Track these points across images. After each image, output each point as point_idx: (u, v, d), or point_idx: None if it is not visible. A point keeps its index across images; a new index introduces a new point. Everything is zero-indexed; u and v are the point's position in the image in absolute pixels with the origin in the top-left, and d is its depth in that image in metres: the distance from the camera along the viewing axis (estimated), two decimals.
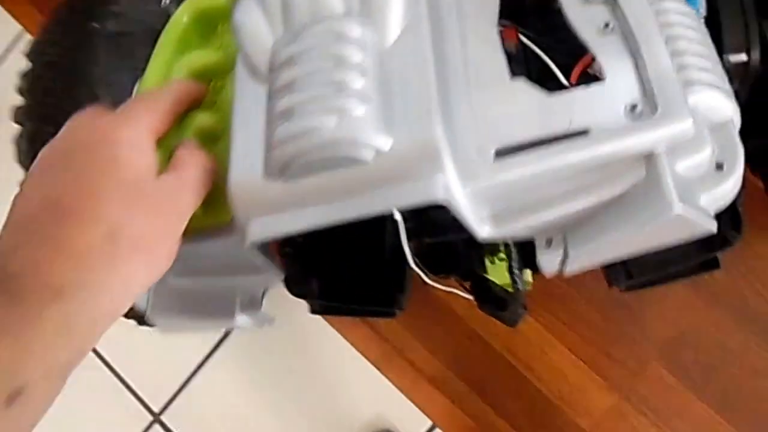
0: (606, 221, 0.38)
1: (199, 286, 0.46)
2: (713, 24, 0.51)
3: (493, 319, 0.52)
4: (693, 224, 0.36)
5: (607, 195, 0.37)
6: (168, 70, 0.48)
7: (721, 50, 0.51)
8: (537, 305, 0.97)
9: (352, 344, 1.05)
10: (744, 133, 0.43)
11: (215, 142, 0.45)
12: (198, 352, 1.13)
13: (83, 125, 0.37)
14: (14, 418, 0.30)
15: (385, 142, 0.35)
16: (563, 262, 0.40)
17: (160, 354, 1.11)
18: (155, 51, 0.49)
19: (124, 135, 0.36)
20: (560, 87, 0.40)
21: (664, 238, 0.38)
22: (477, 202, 0.37)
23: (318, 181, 0.37)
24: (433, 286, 0.50)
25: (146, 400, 1.13)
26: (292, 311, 0.64)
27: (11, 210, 0.34)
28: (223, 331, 1.11)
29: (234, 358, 1.11)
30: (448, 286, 0.58)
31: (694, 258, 0.45)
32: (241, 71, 0.42)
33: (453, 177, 0.36)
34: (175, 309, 0.46)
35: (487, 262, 0.53)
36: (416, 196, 0.35)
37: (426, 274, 0.47)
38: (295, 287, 0.50)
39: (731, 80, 0.48)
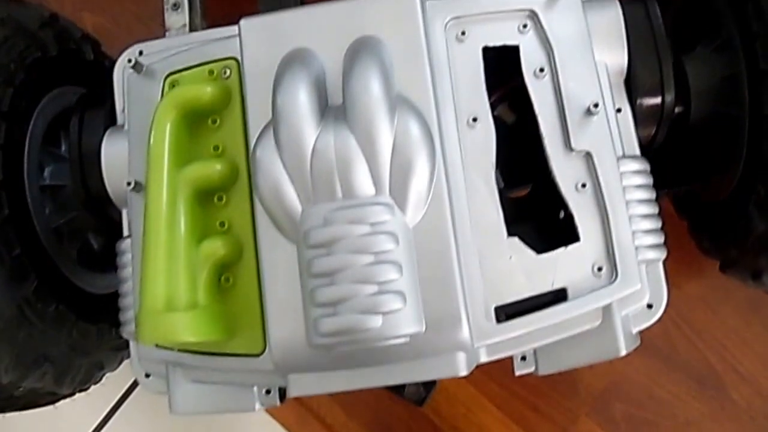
0: (568, 350, 0.49)
1: (221, 382, 0.52)
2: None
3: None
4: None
5: (573, 333, 0.48)
6: (172, 186, 0.47)
7: (634, 93, 0.52)
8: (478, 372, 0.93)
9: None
10: (666, 180, 0.54)
11: (232, 267, 0.48)
12: (95, 414, 1.04)
13: None
14: None
15: (419, 329, 0.44)
16: (533, 372, 0.51)
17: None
18: (151, 161, 0.48)
19: None
20: None
21: None
22: (479, 350, 0.47)
23: (358, 355, 0.45)
24: None
25: None
26: None
27: None
28: (122, 390, 1.03)
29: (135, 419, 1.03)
30: None
31: None
32: (263, 221, 0.47)
33: (470, 346, 0.45)
34: (195, 402, 0.52)
35: None
36: (442, 371, 0.45)
37: None
38: None
39: (646, 124, 0.52)
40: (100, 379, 0.77)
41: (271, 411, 1.00)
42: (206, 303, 0.47)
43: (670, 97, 0.52)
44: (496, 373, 0.95)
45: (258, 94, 0.48)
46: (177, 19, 0.61)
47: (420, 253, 0.45)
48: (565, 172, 0.48)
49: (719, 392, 0.91)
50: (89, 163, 0.57)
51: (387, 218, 0.44)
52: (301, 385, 0.46)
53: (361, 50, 0.46)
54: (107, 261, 0.67)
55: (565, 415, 0.93)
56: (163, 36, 0.61)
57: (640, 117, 0.52)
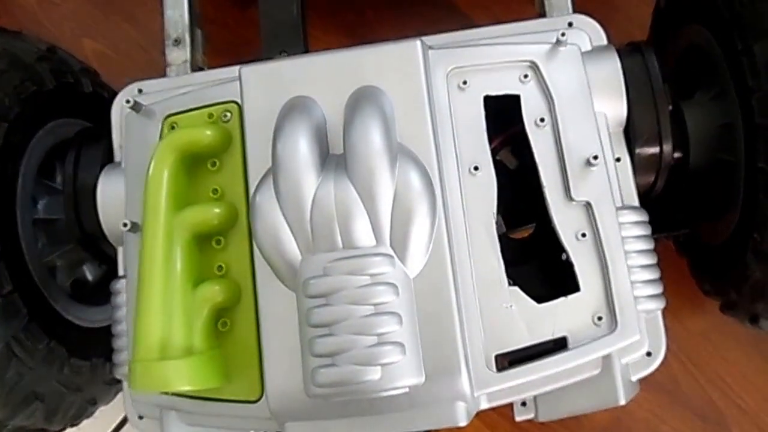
0: (568, 398, 0.50)
1: (216, 427, 0.52)
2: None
3: None
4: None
5: (572, 381, 0.49)
6: (169, 230, 0.47)
7: (633, 143, 0.53)
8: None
9: None
10: (666, 225, 0.58)
11: (230, 311, 0.48)
12: None
13: None
14: None
15: (419, 380, 0.45)
16: (533, 418, 0.52)
17: None
18: (148, 204, 0.48)
19: None
20: None
21: None
22: (480, 398, 0.48)
23: (356, 404, 0.46)
24: None
25: None
26: None
27: None
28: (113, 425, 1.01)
29: None
30: None
31: None
32: (262, 268, 0.48)
33: (470, 396, 0.46)
34: None
35: None
36: (442, 421, 0.46)
37: None
38: None
39: (645, 172, 0.53)
40: (92, 414, 0.76)
41: None
42: (203, 348, 0.47)
43: (668, 147, 0.53)
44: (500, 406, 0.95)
45: (258, 141, 0.49)
46: (178, 54, 0.62)
47: (420, 304, 0.45)
48: (566, 221, 0.49)
49: (721, 428, 0.91)
50: (85, 199, 0.57)
51: (387, 269, 0.45)
52: None
53: (361, 100, 0.47)
54: (101, 294, 0.68)
55: None
56: (164, 66, 0.62)
57: (639, 166, 0.53)
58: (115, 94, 0.60)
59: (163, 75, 0.61)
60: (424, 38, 0.50)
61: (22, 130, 0.61)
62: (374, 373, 0.43)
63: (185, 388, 0.45)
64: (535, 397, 0.50)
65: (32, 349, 0.57)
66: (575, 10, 0.57)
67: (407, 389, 0.45)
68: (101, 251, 0.60)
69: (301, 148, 0.45)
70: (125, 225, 0.51)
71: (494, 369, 0.47)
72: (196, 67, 0.62)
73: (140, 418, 0.55)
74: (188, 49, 0.62)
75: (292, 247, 0.46)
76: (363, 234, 0.45)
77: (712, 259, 0.63)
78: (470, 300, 0.47)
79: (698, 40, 0.60)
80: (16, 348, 0.55)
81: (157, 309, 0.46)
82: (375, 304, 0.44)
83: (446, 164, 0.49)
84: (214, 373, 0.47)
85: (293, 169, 0.45)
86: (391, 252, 0.45)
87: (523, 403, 0.51)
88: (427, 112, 0.48)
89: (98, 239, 0.58)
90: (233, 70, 0.53)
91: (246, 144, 0.49)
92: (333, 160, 0.47)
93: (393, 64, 0.48)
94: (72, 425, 0.71)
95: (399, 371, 0.44)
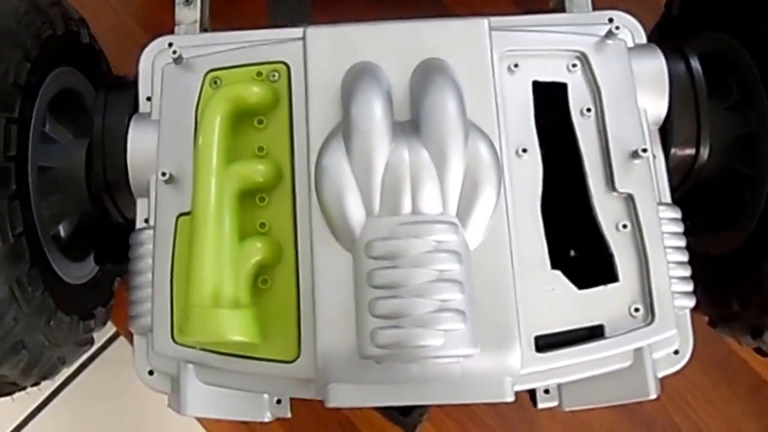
0: (596, 388, 0.51)
1: (234, 387, 0.52)
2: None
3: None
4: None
5: (603, 371, 0.51)
6: (220, 182, 0.48)
7: (668, 142, 0.55)
8: (438, 410, 0.93)
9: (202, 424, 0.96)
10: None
11: (270, 269, 0.49)
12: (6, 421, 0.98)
13: None
14: None
15: (474, 351, 0.46)
16: (556, 407, 0.53)
17: None
18: (200, 155, 0.49)
19: None
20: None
21: None
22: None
23: (405, 371, 0.46)
24: None
25: None
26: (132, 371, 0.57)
27: None
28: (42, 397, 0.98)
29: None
30: None
31: None
32: (319, 227, 0.49)
33: (517, 373, 0.47)
34: (205, 405, 0.52)
35: None
36: (489, 395, 0.47)
37: None
38: None
39: (674, 174, 0.55)
40: (56, 375, 0.74)
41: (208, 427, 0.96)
42: (247, 303, 0.48)
43: (705, 150, 0.56)
44: (453, 411, 0.95)
45: (320, 102, 0.50)
46: (188, 14, 0.63)
47: (478, 276, 0.47)
48: (607, 212, 0.51)
49: None
50: (113, 147, 0.57)
51: (452, 238, 0.46)
52: (341, 396, 0.47)
53: (433, 70, 0.49)
54: (81, 250, 0.70)
55: None
56: (141, 26, 0.65)
57: (671, 166, 0.55)
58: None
59: (135, 36, 0.64)
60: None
61: (38, 73, 0.62)
62: (435, 338, 0.44)
63: (235, 337, 0.46)
64: (559, 386, 0.52)
65: (30, 296, 0.57)
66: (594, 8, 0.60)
67: (461, 359, 0.46)
68: (101, 204, 0.60)
69: (376, 110, 0.47)
70: (164, 174, 0.52)
71: (534, 350, 0.48)
72: (203, 28, 0.64)
73: (150, 374, 0.54)
74: (198, 9, 0.63)
75: (358, 208, 0.47)
76: (432, 200, 0.47)
77: (712, 269, 0.65)
78: (517, 279, 0.48)
79: (719, 48, 0.62)
80: (17, 292, 0.55)
81: (211, 258, 0.47)
82: (439, 270, 0.45)
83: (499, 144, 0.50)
84: (256, 329, 0.48)
85: (368, 130, 0.47)
86: (457, 221, 0.47)
87: (546, 391, 0.52)
88: (492, 90, 0.50)
89: (113, 189, 0.58)
90: (282, 32, 0.55)
91: (308, 103, 0.51)
92: (400, 126, 0.49)
93: (460, 40, 0.50)
94: (35, 384, 0.70)
95: (458, 339, 0.45)
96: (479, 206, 0.47)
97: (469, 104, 0.49)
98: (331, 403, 0.47)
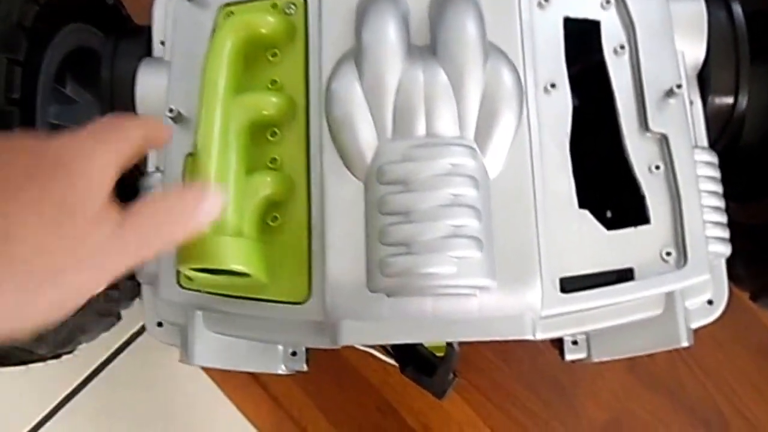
0: (625, 338, 0.49)
1: (244, 336, 0.51)
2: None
3: (410, 391, 0.58)
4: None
5: (632, 319, 0.49)
6: (226, 111, 0.46)
7: (707, 90, 0.53)
8: (461, 378, 0.92)
9: (239, 408, 0.97)
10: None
11: (281, 206, 0.47)
12: (37, 409, 1.00)
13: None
14: None
15: (491, 283, 0.44)
16: (585, 359, 0.50)
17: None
18: (206, 82, 0.47)
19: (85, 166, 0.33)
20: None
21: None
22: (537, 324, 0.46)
23: (421, 304, 0.44)
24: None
25: None
26: (165, 358, 0.57)
27: None
28: (73, 385, 1.00)
29: (85, 419, 0.99)
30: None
31: None
32: (329, 156, 0.47)
33: (538, 311, 0.45)
34: (214, 355, 0.50)
35: None
36: (509, 332, 0.44)
37: None
38: None
39: (712, 125, 0.53)
40: (76, 348, 0.75)
41: (246, 412, 0.97)
42: (253, 236, 0.46)
43: (743, 100, 0.54)
44: (494, 396, 0.95)
45: (334, 28, 0.48)
46: None
47: (497, 207, 0.45)
48: (639, 153, 0.49)
49: None
50: (121, 88, 0.56)
51: (470, 161, 0.44)
52: (354, 333, 0.45)
53: None
54: None
55: None
56: None
57: (709, 115, 0.53)
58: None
59: None
60: None
61: (48, 19, 0.60)
62: (447, 265, 0.42)
63: (237, 266, 0.43)
64: (588, 337, 0.50)
65: None
66: None
67: (477, 292, 0.44)
68: None
69: (390, 30, 0.45)
70: (171, 111, 0.50)
71: (559, 291, 0.46)
72: None
73: (159, 326, 0.53)
74: None
75: (370, 132, 0.45)
76: (448, 122, 0.44)
77: (754, 240, 0.64)
78: (540, 216, 0.46)
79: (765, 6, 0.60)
80: None
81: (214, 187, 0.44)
82: (453, 195, 0.43)
83: (525, 75, 0.48)
84: (262, 265, 0.46)
85: (380, 51, 0.45)
86: (475, 145, 0.45)
87: (574, 342, 0.50)
88: (516, 15, 0.48)
89: None
90: None
91: (321, 28, 0.49)
92: (416, 49, 0.47)
93: None
94: (54, 356, 0.69)
95: (473, 268, 0.42)
96: (498, 131, 0.45)
97: (492, 29, 0.47)
98: (343, 341, 0.45)
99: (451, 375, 0.57)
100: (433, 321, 0.44)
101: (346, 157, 0.46)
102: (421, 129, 0.45)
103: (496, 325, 0.44)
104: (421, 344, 0.56)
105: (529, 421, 0.94)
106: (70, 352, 0.74)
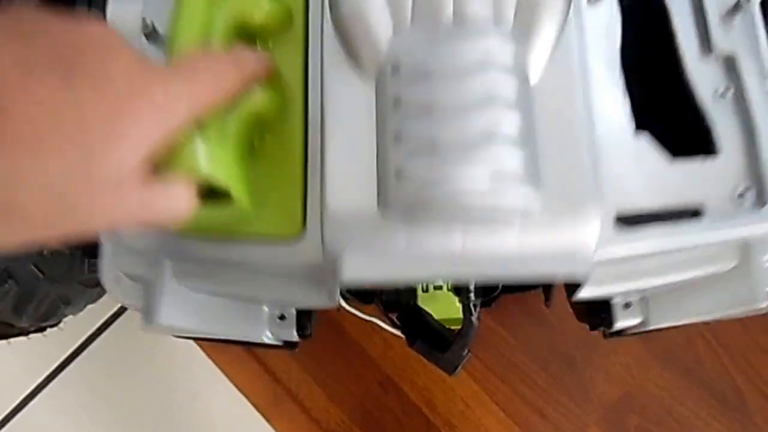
0: (691, 298, 0.42)
1: (222, 293, 0.42)
2: None
3: (413, 365, 0.53)
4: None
5: (697, 274, 0.41)
6: (205, 23, 0.38)
7: None
8: (484, 369, 0.90)
9: (234, 383, 0.94)
10: None
11: (272, 126, 0.39)
12: (25, 382, 0.98)
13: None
14: None
15: (533, 206, 0.34)
16: (639, 326, 0.43)
17: None
18: None
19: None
20: None
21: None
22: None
23: (445, 233, 0.35)
24: (349, 314, 0.41)
25: None
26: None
27: None
28: (62, 357, 0.97)
29: (73, 394, 0.97)
30: (369, 314, 0.50)
31: None
32: (331, 52, 0.37)
33: (592, 249, 0.36)
34: (184, 316, 0.41)
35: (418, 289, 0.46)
36: (560, 269, 0.36)
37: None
38: None
39: None
40: (61, 320, 0.72)
41: (242, 387, 0.95)
42: (236, 155, 0.37)
43: None
44: (501, 371, 0.92)
45: None
46: None
47: (539, 117, 0.36)
48: (702, 78, 0.42)
49: (742, 414, 0.89)
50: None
51: (508, 53, 0.35)
52: (359, 266, 0.35)
53: None
54: None
55: (573, 423, 0.90)
56: None
57: None
58: None
59: None
60: None
61: None
62: (479, 178, 0.33)
63: (216, 174, 0.34)
64: (644, 297, 0.43)
65: None
66: None
67: (516, 220, 0.35)
68: None
69: None
70: (146, 26, 0.41)
71: (613, 227, 0.38)
72: None
73: (119, 281, 0.43)
74: None
75: (385, 19, 0.36)
76: (481, 7, 0.35)
77: None
78: (590, 142, 0.38)
79: None
80: None
81: None
82: (487, 94, 0.34)
83: None
84: (245, 187, 0.37)
85: None
86: (513, 39, 0.36)
87: (627, 305, 0.42)
88: None
89: None
90: None
91: None
92: None
93: None
94: (37, 329, 0.67)
95: (510, 184, 0.33)
96: (541, 25, 0.36)
97: None
98: (347, 274, 0.35)
99: (466, 351, 0.52)
100: (458, 256, 0.35)
101: (355, 51, 0.37)
102: (447, 12, 0.35)
103: (541, 261, 0.35)
104: (432, 316, 0.51)
105: (537, 397, 0.91)
106: (54, 325, 0.72)
